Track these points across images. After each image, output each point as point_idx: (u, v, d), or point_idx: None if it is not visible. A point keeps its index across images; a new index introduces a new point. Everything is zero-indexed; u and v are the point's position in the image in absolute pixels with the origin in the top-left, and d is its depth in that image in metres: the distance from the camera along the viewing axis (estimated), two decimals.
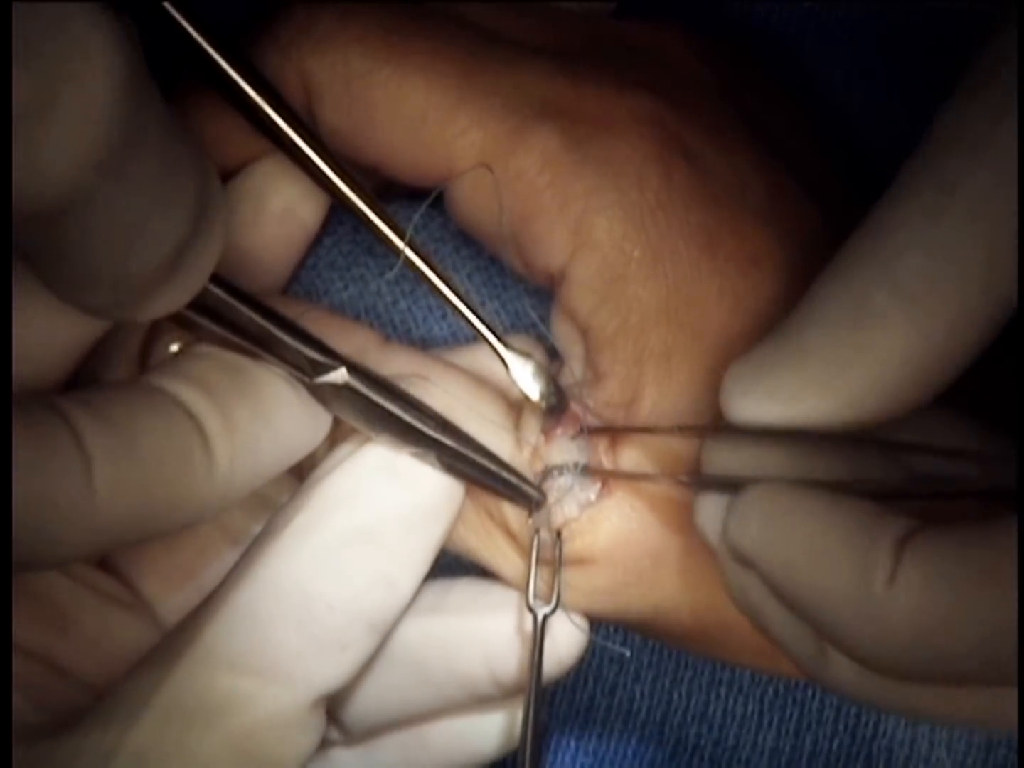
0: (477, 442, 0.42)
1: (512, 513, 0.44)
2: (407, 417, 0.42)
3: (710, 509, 0.39)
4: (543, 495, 0.43)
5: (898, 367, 0.34)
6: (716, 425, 0.39)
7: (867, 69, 0.51)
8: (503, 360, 0.43)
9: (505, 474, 0.42)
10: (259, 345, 0.41)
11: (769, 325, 0.38)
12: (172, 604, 0.46)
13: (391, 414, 0.42)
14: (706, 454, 0.39)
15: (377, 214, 0.43)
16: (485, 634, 0.43)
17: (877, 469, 0.37)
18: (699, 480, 0.39)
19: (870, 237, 0.35)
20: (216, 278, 0.39)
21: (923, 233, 0.34)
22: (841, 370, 0.35)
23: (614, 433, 0.43)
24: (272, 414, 0.40)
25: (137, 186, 0.31)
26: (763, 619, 0.38)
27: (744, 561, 0.36)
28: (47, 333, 0.39)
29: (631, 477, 0.42)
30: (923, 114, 0.36)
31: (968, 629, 0.32)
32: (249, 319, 0.41)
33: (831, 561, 0.34)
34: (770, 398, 0.36)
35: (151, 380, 0.39)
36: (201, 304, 0.40)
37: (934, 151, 0.35)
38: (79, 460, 0.34)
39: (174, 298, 0.36)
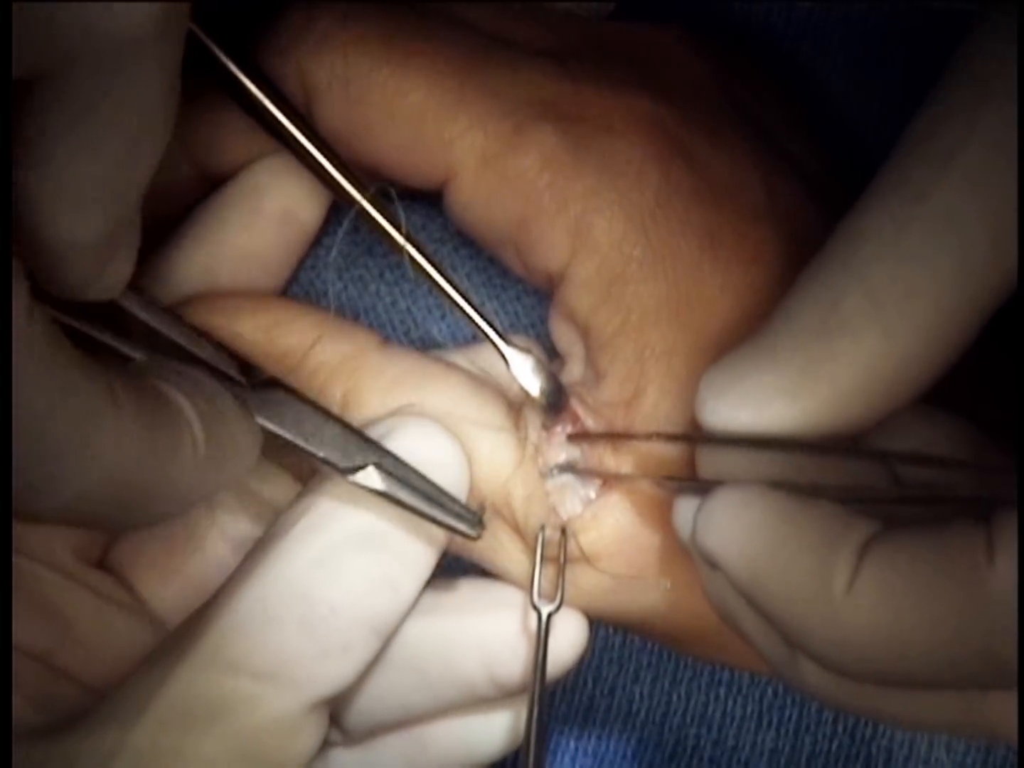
0: (411, 465, 0.41)
1: (519, 510, 0.43)
2: (343, 424, 0.41)
3: (685, 511, 0.39)
4: (482, 524, 0.41)
5: (866, 375, 0.35)
6: (694, 433, 0.39)
7: (867, 69, 0.51)
8: (503, 355, 0.43)
9: (447, 500, 0.41)
10: (185, 358, 0.40)
11: None
12: (171, 606, 0.46)
13: (328, 420, 0.41)
14: (699, 455, 0.39)
15: (379, 212, 0.43)
16: (483, 635, 0.43)
17: (865, 476, 0.37)
18: (680, 483, 0.40)
19: (842, 245, 0.36)
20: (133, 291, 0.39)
21: (892, 241, 0.34)
22: (809, 377, 0.35)
23: (596, 439, 0.43)
24: (227, 417, 0.39)
25: (153, 80, 0.32)
26: (736, 620, 0.38)
27: (711, 562, 0.36)
28: None
29: (619, 478, 0.42)
30: None
31: (921, 635, 0.32)
32: (173, 331, 0.40)
33: (792, 566, 0.34)
34: (741, 404, 0.36)
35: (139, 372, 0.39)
36: (123, 318, 0.40)
37: (905, 159, 0.35)
38: (111, 401, 0.34)
39: (116, 276, 0.37)
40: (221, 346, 0.41)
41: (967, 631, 0.32)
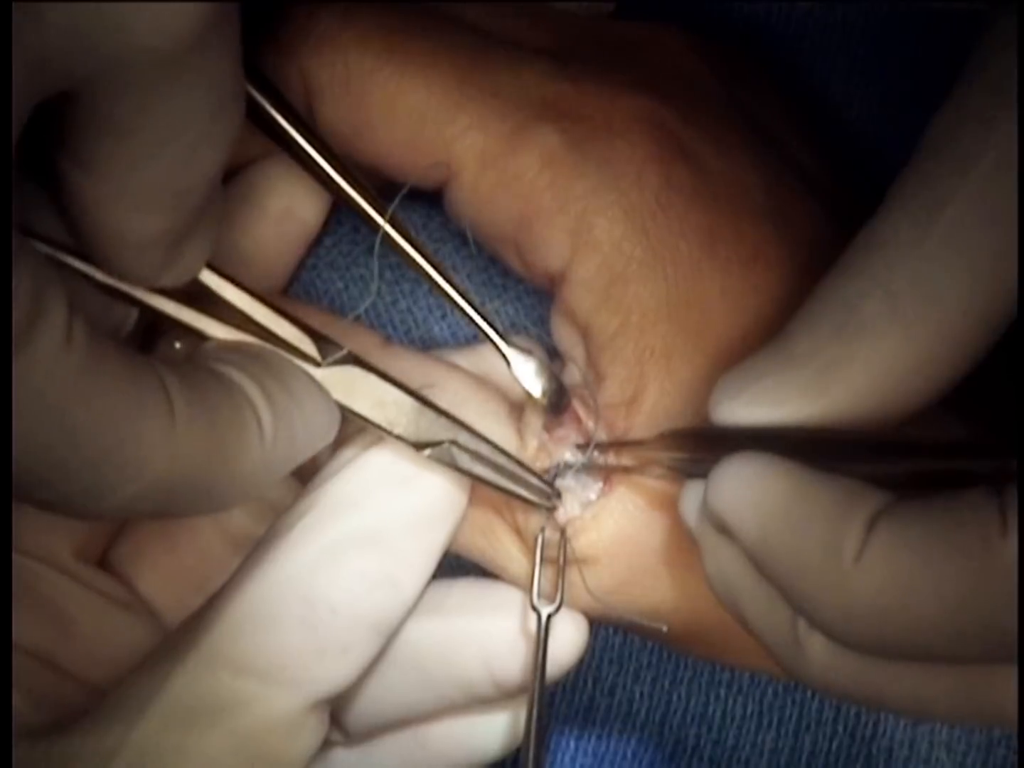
0: (488, 438, 0.42)
1: (520, 511, 0.43)
2: (421, 399, 0.41)
3: (693, 495, 0.39)
4: (558, 493, 0.42)
5: (884, 377, 0.35)
6: (702, 430, 0.39)
7: (867, 69, 0.51)
8: (504, 356, 0.43)
9: (520, 471, 0.42)
10: (264, 336, 0.41)
11: (770, 323, 0.38)
12: (172, 605, 0.46)
13: (403, 396, 0.41)
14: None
15: (380, 212, 0.43)
16: (484, 635, 0.43)
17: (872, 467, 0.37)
18: (689, 464, 0.40)
19: (862, 249, 0.36)
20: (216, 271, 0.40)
21: (913, 246, 0.34)
22: (827, 378, 0.35)
23: (603, 448, 0.43)
24: (300, 397, 0.40)
25: (207, 87, 0.33)
26: (739, 602, 0.38)
27: (720, 526, 0.36)
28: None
29: (630, 470, 0.42)
30: (923, 114, 0.36)
31: (929, 605, 0.32)
32: (252, 310, 0.41)
33: (803, 530, 0.34)
34: (756, 402, 0.36)
35: (204, 362, 0.39)
36: (205, 296, 0.40)
37: (923, 164, 0.35)
38: (163, 402, 0.35)
39: (190, 263, 0.37)
40: (299, 323, 0.41)
41: (975, 602, 0.32)
